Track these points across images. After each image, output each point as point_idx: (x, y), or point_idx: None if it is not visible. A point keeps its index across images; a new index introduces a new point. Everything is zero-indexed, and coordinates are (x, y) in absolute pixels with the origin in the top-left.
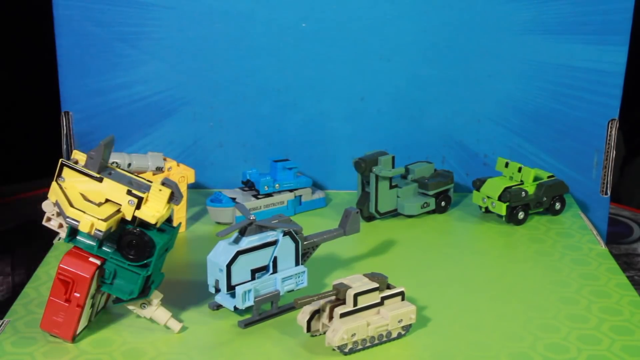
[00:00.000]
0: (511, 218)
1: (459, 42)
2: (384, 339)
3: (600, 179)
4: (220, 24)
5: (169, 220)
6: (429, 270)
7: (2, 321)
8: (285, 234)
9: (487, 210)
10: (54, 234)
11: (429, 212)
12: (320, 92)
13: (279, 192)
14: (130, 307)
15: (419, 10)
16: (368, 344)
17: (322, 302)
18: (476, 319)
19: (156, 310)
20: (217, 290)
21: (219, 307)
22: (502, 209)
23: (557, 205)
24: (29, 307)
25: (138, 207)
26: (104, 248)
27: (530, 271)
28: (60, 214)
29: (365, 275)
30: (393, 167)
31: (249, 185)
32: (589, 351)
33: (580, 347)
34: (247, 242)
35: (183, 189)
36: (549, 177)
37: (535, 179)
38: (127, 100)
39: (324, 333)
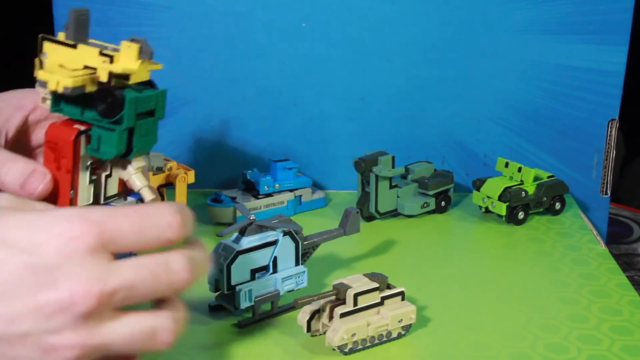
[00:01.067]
0: (511, 218)
1: (459, 42)
2: (384, 338)
3: (600, 179)
4: (220, 24)
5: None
6: (429, 270)
7: None
8: (285, 233)
9: (487, 210)
10: None
11: (429, 212)
12: (320, 92)
13: (279, 192)
14: (114, 171)
15: (419, 10)
16: (368, 344)
17: (322, 302)
18: (476, 319)
19: (134, 174)
20: (217, 290)
21: (218, 306)
22: (502, 209)
23: (557, 205)
24: None
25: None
26: (86, 112)
27: (530, 271)
28: (41, 85)
29: (365, 275)
30: (393, 167)
31: (249, 185)
32: (589, 351)
33: (580, 347)
34: (247, 242)
35: (183, 189)
36: (549, 177)
37: (535, 179)
38: None
39: (324, 333)
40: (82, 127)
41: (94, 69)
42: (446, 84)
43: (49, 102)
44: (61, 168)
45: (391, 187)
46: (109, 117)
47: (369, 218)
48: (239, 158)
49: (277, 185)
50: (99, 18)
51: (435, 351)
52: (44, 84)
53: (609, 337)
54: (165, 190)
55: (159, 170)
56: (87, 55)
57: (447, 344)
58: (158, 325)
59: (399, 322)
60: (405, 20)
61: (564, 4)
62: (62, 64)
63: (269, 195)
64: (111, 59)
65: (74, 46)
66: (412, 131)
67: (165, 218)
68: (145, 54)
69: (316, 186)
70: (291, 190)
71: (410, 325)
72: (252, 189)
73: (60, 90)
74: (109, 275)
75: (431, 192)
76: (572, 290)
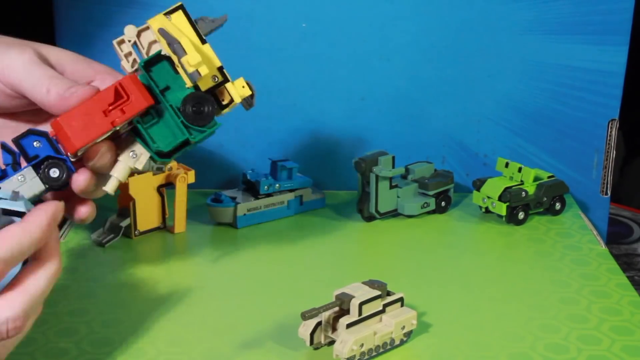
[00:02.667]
0: (511, 218)
1: (459, 42)
2: (388, 346)
3: (600, 179)
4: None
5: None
6: (429, 270)
7: None
8: None
9: (487, 211)
10: None
11: (429, 212)
12: (320, 92)
13: (279, 192)
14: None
15: (419, 10)
16: (374, 353)
17: (326, 314)
18: (476, 319)
19: (123, 162)
20: None
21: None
22: (502, 209)
23: (557, 205)
24: None
25: (217, 85)
26: (168, 94)
27: (530, 271)
28: (167, 38)
29: (364, 283)
30: (393, 167)
31: (249, 185)
32: (589, 351)
33: (580, 347)
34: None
35: (183, 189)
36: (549, 177)
37: (535, 179)
38: None
39: (327, 345)
40: (153, 102)
41: (224, 80)
42: (446, 84)
43: (132, 56)
44: (109, 115)
45: (391, 187)
46: (192, 122)
47: (369, 218)
48: (239, 158)
49: (277, 185)
50: (99, 18)
51: (436, 351)
52: (135, 30)
53: (609, 337)
54: (165, 190)
55: (159, 170)
56: (208, 57)
57: (447, 344)
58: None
59: (402, 328)
60: (405, 20)
61: (564, 4)
62: (197, 48)
63: (269, 195)
64: (223, 81)
65: (203, 41)
66: (412, 131)
67: (4, 315)
68: (248, 105)
69: (316, 186)
70: (291, 190)
71: (411, 331)
72: (252, 189)
73: (190, 70)
74: None
75: (431, 192)
76: (572, 291)
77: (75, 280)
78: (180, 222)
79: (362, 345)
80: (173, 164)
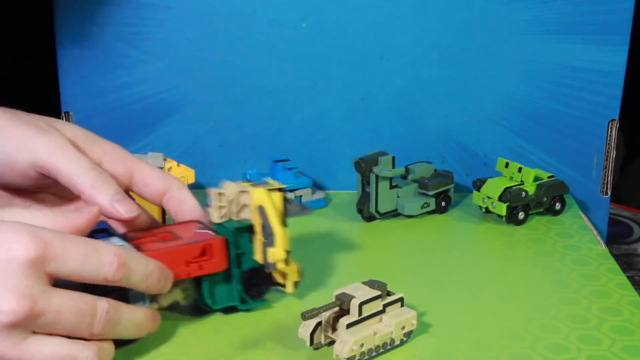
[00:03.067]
0: (511, 218)
1: (459, 42)
2: (388, 347)
3: (600, 179)
4: (220, 24)
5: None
6: (429, 270)
7: None
8: None
9: (487, 211)
10: None
11: (429, 212)
12: (320, 92)
13: None
14: (166, 299)
15: (419, 10)
16: (374, 354)
17: (326, 314)
18: (476, 319)
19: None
20: None
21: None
22: (502, 209)
23: (557, 205)
24: None
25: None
26: (242, 261)
27: (530, 271)
28: (263, 220)
29: (364, 283)
30: (393, 167)
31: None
32: (589, 351)
33: (580, 347)
34: None
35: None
36: (549, 177)
37: (535, 179)
38: (127, 100)
39: (327, 345)
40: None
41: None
42: (446, 84)
43: (220, 211)
44: (190, 266)
45: (391, 187)
46: (251, 295)
47: (369, 218)
48: (239, 158)
49: None
50: (99, 18)
51: (436, 352)
52: (229, 197)
53: (609, 337)
54: None
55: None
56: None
57: (447, 344)
58: (80, 355)
59: (402, 328)
60: (405, 20)
61: (564, 4)
62: (281, 235)
63: None
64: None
65: (285, 225)
66: (412, 131)
67: (109, 256)
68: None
69: (316, 186)
70: (291, 191)
71: (411, 331)
72: None
73: (271, 261)
74: (41, 296)
75: (431, 192)
76: (572, 291)
77: None
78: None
79: (362, 345)
80: (173, 163)
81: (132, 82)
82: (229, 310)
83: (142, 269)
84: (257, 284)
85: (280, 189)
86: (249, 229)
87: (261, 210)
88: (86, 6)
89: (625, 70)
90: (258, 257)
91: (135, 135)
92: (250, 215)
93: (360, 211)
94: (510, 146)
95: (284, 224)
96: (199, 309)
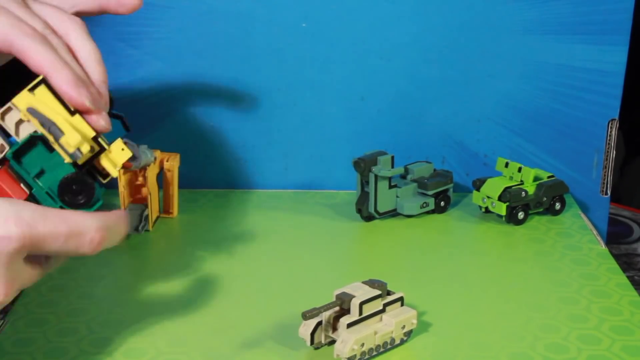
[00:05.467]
0: (511, 218)
1: (459, 42)
2: (388, 346)
3: (600, 179)
4: (220, 23)
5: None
6: (428, 270)
7: (2, 321)
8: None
9: (487, 210)
10: None
11: (428, 212)
12: (320, 92)
13: None
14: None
15: (419, 10)
16: (374, 353)
17: (326, 313)
18: (476, 319)
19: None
20: None
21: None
22: (502, 209)
23: (557, 205)
24: (29, 307)
25: (95, 155)
26: (43, 178)
27: (530, 271)
28: (39, 118)
29: (364, 282)
30: (392, 167)
31: None
32: (589, 351)
33: (580, 347)
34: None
35: (176, 176)
36: (549, 177)
37: (535, 179)
38: (127, 100)
39: (327, 344)
40: (27, 192)
41: (100, 150)
42: (446, 84)
43: (4, 147)
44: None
45: (390, 187)
46: (72, 207)
47: (368, 218)
48: (239, 158)
49: None
50: (99, 18)
51: (435, 352)
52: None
53: (609, 337)
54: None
55: (155, 160)
56: (86, 131)
57: (447, 345)
58: (85, 226)
59: (402, 328)
60: (405, 20)
61: (564, 4)
62: (70, 122)
63: None
64: (100, 151)
65: (72, 113)
66: (412, 131)
67: (90, 234)
68: (136, 162)
69: (316, 186)
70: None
71: (411, 330)
72: None
73: (71, 150)
74: (27, 279)
75: (430, 192)
76: (572, 290)
77: (75, 280)
78: (176, 205)
79: (362, 344)
80: (157, 152)
81: (132, 82)
82: (228, 310)
83: (117, 236)
84: (78, 201)
85: (40, 82)
86: (32, 143)
87: (33, 111)
88: None
89: (625, 70)
90: (65, 158)
91: (135, 135)
92: (32, 129)
93: (359, 211)
94: (510, 146)
95: (68, 109)
96: None
